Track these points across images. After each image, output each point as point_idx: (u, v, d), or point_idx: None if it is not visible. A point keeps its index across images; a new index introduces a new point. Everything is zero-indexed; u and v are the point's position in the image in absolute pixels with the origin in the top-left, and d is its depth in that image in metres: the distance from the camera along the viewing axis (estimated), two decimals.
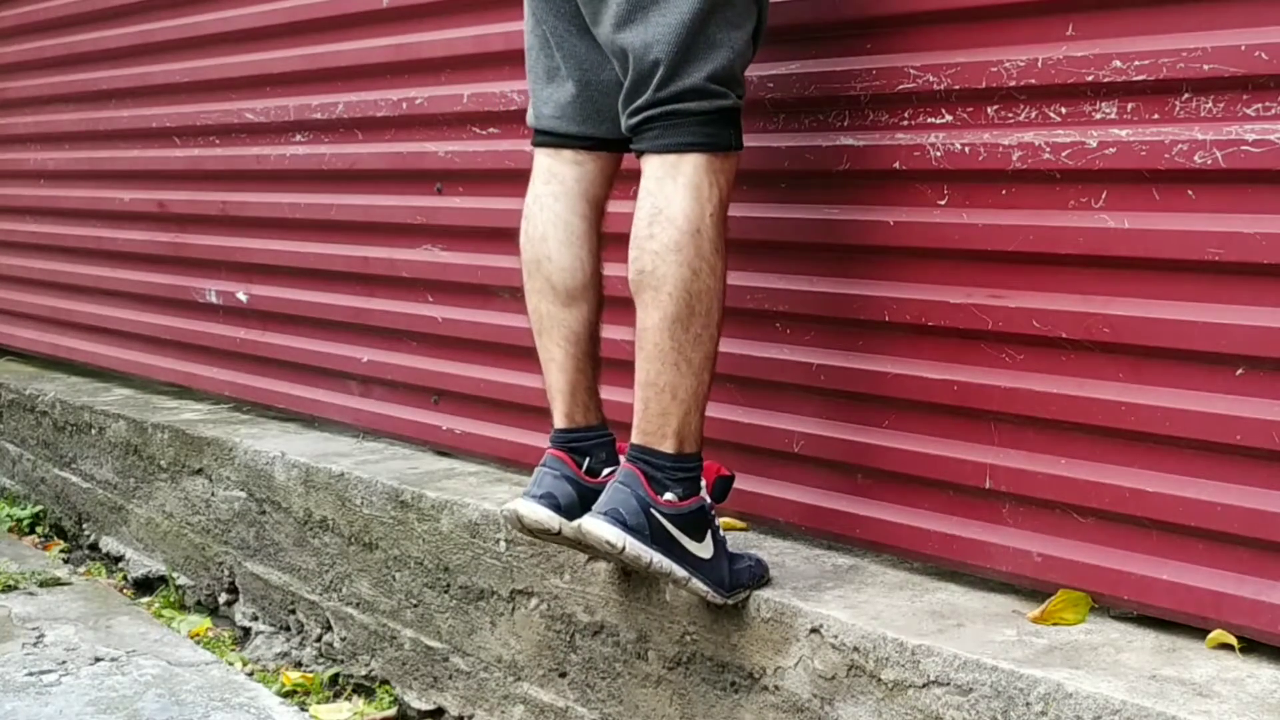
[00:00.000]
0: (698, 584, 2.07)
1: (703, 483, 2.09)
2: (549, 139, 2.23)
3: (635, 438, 2.05)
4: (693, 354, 2.01)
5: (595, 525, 2.01)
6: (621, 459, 2.10)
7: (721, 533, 2.13)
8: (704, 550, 2.06)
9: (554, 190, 2.21)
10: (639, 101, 2.04)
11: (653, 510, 2.01)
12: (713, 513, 2.10)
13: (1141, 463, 1.95)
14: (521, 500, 2.18)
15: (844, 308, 2.28)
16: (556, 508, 2.15)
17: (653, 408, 2.03)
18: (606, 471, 2.20)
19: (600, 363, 2.28)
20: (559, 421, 2.24)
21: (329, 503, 3.05)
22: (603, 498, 2.04)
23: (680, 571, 2.05)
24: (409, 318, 3.21)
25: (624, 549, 1.99)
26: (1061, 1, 1.99)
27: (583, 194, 2.21)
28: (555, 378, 2.24)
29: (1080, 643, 1.90)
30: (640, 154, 2.06)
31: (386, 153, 3.25)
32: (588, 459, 2.22)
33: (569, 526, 2.12)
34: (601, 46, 2.11)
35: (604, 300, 2.26)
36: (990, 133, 2.08)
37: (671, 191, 2.00)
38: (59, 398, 4.22)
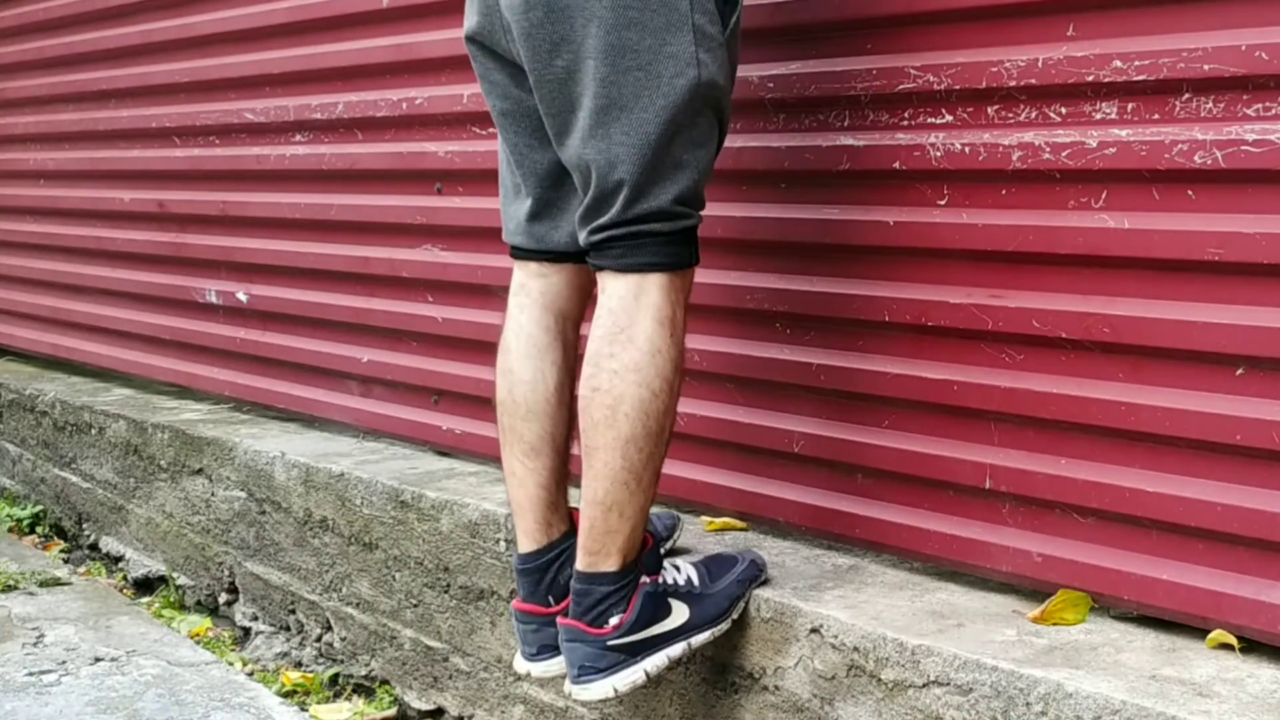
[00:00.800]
0: (699, 639, 2.07)
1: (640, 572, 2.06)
2: (517, 252, 2.19)
3: (580, 561, 2.02)
4: (644, 472, 1.98)
5: (584, 693, 2.02)
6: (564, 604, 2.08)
7: (685, 573, 2.10)
8: (679, 615, 2.06)
9: (520, 302, 2.17)
10: (601, 220, 1.99)
11: (609, 644, 2.00)
12: (660, 583, 2.06)
13: (1141, 463, 1.95)
14: (529, 664, 2.18)
15: (844, 308, 2.28)
16: (556, 651, 2.14)
17: (598, 527, 1.99)
18: (572, 579, 2.14)
19: (567, 477, 2.20)
20: (522, 545, 2.18)
21: (329, 503, 3.05)
22: (566, 660, 2.05)
23: (677, 650, 2.05)
24: (409, 318, 3.21)
25: (617, 691, 2.01)
26: (1061, 1, 1.99)
27: (546, 306, 2.16)
28: (515, 493, 2.18)
29: (1080, 643, 1.90)
30: (599, 269, 2.02)
31: (386, 153, 3.25)
32: (554, 584, 2.16)
33: (565, 686, 2.12)
34: (563, 161, 2.06)
35: (574, 417, 2.13)
36: (990, 133, 2.08)
37: (634, 312, 1.96)
38: (59, 398, 4.22)
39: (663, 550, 2.21)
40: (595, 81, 1.93)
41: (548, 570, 2.16)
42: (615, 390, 1.95)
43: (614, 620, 2.00)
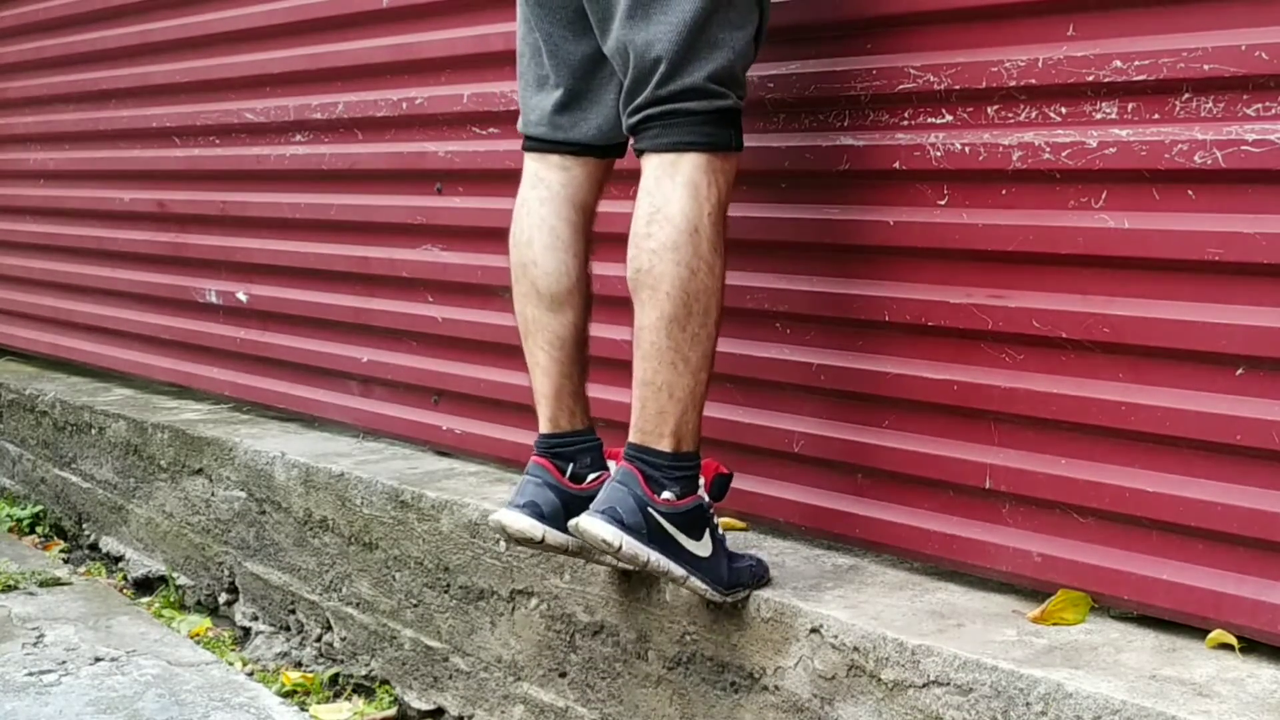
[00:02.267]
0: (696, 582, 2.07)
1: (701, 481, 2.09)
2: (536, 144, 2.23)
3: (633, 436, 2.05)
4: (690, 353, 2.01)
5: (592, 524, 2.01)
6: (612, 465, 2.10)
7: (721, 531, 2.13)
8: (702, 549, 2.06)
9: (540, 195, 2.21)
10: (639, 100, 2.04)
11: (650, 509, 2.01)
12: (711, 511, 2.10)
13: (1141, 463, 1.95)
14: (505, 510, 2.18)
15: (844, 308, 2.28)
16: (540, 516, 2.15)
17: (650, 406, 2.02)
18: (592, 477, 2.20)
19: (587, 367, 2.27)
20: (543, 426, 2.24)
21: (329, 503, 3.05)
22: (600, 496, 2.04)
23: (678, 570, 2.05)
24: (409, 318, 3.21)
25: (621, 547, 1.99)
26: (1061, 1, 1.99)
27: (569, 199, 2.21)
28: (540, 382, 2.23)
29: (1080, 643, 1.90)
30: (640, 153, 2.06)
31: (386, 153, 3.25)
32: (572, 464, 2.21)
33: (554, 534, 2.13)
34: (600, 50, 2.11)
35: (592, 304, 2.25)
36: (990, 133, 2.08)
37: (670, 190, 1.99)
38: (59, 398, 4.22)
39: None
40: None
41: (566, 449, 2.20)
42: (655, 269, 1.98)
43: (667, 495, 2.02)
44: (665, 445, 2.03)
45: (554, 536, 2.14)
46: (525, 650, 2.56)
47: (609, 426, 2.35)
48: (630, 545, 2.00)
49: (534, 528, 2.15)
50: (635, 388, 2.04)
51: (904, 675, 1.91)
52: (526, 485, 2.19)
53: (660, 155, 2.02)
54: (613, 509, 2.01)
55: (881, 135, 2.21)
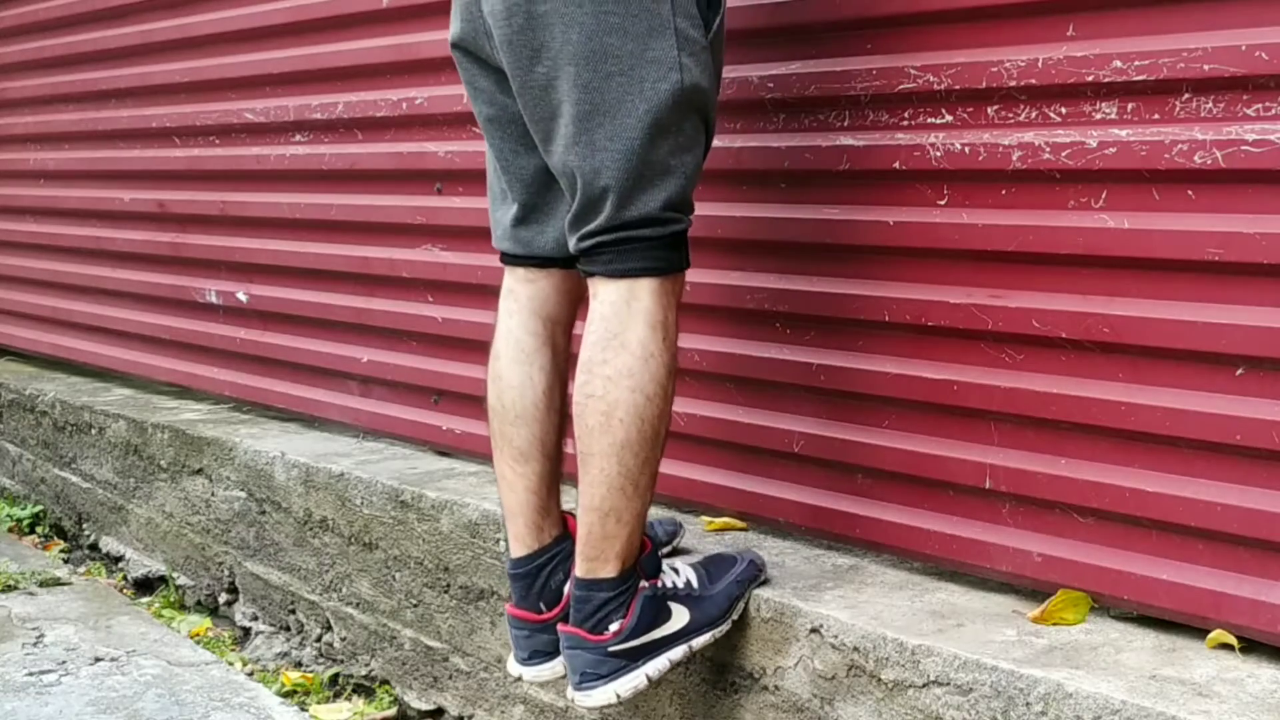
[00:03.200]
0: (700, 641, 2.07)
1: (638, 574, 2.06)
2: (505, 258, 2.19)
3: (579, 568, 2.02)
4: (640, 477, 1.97)
5: (586, 699, 2.02)
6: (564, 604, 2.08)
7: (683, 575, 2.10)
8: (679, 618, 2.05)
9: (509, 308, 2.17)
10: (590, 226, 1.98)
11: (610, 650, 2.00)
12: (659, 586, 2.06)
13: (1141, 463, 1.95)
14: (521, 668, 2.19)
15: (844, 308, 2.28)
16: (548, 657, 2.15)
17: (595, 533, 1.99)
18: (568, 589, 2.13)
19: (557, 482, 2.19)
20: (513, 549, 2.18)
21: (329, 503, 3.05)
22: (568, 667, 2.05)
23: (679, 652, 2.05)
24: (409, 318, 3.21)
25: (620, 696, 2.01)
26: (1061, 1, 1.99)
27: (534, 311, 2.16)
28: (506, 497, 2.18)
29: (1080, 643, 1.90)
30: (589, 275, 2.01)
31: (386, 153, 3.25)
32: (545, 590, 2.16)
33: (567, 692, 2.12)
34: (550, 167, 2.05)
35: (564, 419, 2.16)
36: (990, 133, 2.08)
37: (626, 317, 1.95)
38: (59, 398, 4.22)
39: (661, 554, 2.21)
40: (578, 87, 1.92)
41: (539, 575, 2.16)
42: (609, 396, 1.94)
43: (614, 626, 2.00)
44: (610, 571, 2.00)
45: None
46: None
47: None
48: (626, 686, 2.01)
49: (555, 671, 2.16)
50: (581, 513, 2.00)
51: (904, 675, 1.91)
52: (519, 639, 2.18)
53: (615, 281, 1.97)
54: (584, 674, 2.01)
55: (881, 135, 2.21)
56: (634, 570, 2.03)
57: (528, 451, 2.14)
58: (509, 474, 2.16)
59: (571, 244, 2.02)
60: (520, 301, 2.17)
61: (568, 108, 1.94)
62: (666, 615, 2.05)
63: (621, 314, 1.96)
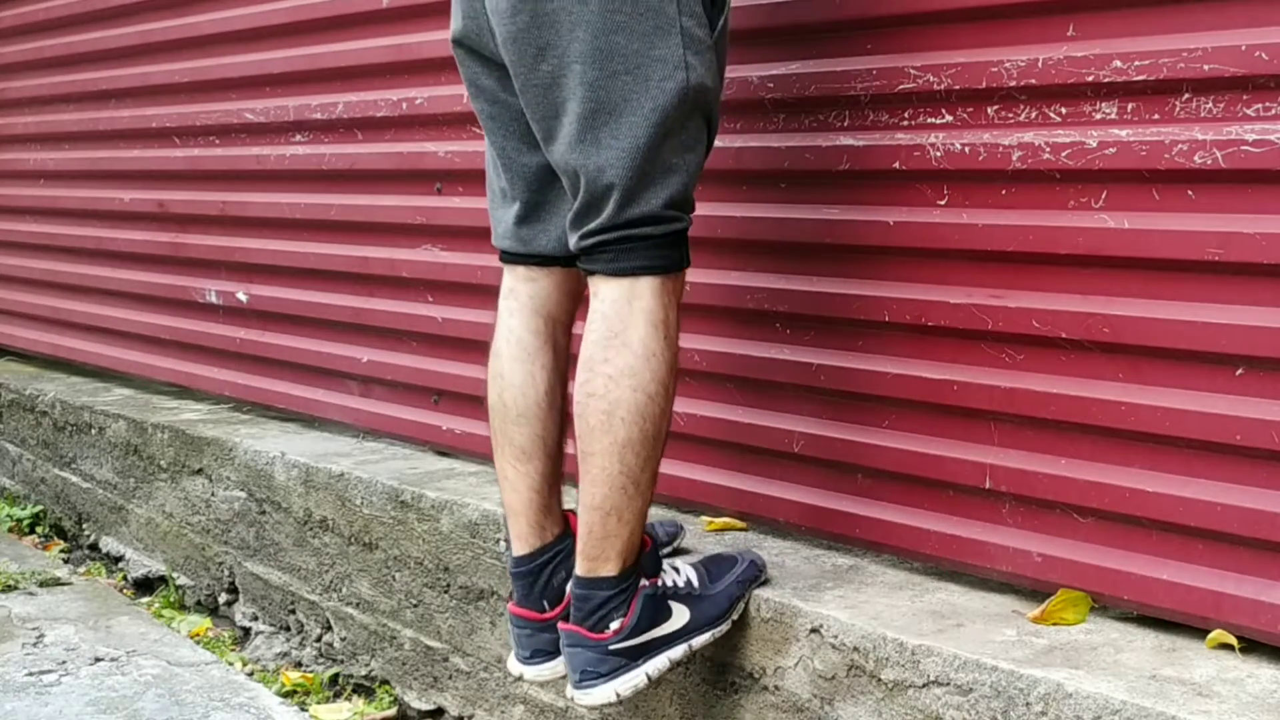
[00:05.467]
0: (700, 641, 2.07)
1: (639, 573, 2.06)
2: (506, 256, 2.19)
3: (579, 566, 2.02)
4: (641, 476, 1.97)
5: (585, 697, 2.02)
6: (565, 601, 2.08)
7: (684, 574, 2.10)
8: (679, 617, 2.05)
9: (509, 306, 2.17)
10: (592, 225, 1.98)
11: (610, 648, 2.00)
12: (659, 585, 2.06)
13: (1141, 463, 1.95)
14: (522, 667, 2.19)
15: (844, 308, 2.28)
16: (550, 656, 2.15)
17: (596, 532, 1.99)
18: (571, 584, 2.12)
19: (559, 481, 2.19)
20: (515, 548, 2.18)
21: (329, 503, 3.05)
22: (567, 665, 2.05)
23: (679, 651, 2.05)
24: (409, 318, 3.21)
25: (620, 695, 2.01)
26: (1061, 1, 1.99)
27: (536, 310, 2.15)
28: (507, 496, 2.18)
29: (1080, 643, 1.90)
30: (590, 274, 2.01)
31: (386, 153, 3.25)
32: (548, 588, 2.16)
33: (567, 690, 2.12)
34: (552, 165, 2.06)
35: (565, 418, 2.16)
36: (990, 133, 2.08)
37: (628, 316, 1.95)
38: (59, 398, 4.22)
39: (662, 554, 2.21)
40: (583, 86, 1.92)
41: (541, 573, 2.16)
42: (611, 395, 1.94)
43: (614, 625, 2.00)
44: (611, 570, 2.00)
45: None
46: None
47: None
48: (626, 684, 2.01)
49: (555, 671, 2.16)
50: (582, 511, 2.00)
51: (904, 675, 1.91)
52: (520, 638, 2.18)
53: (615, 280, 1.97)
54: (584, 672, 2.01)
55: (881, 135, 2.21)
56: (635, 569, 2.03)
57: (530, 450, 2.14)
58: (511, 473, 2.16)
59: (572, 242, 2.02)
60: (521, 300, 2.16)
61: (573, 105, 1.94)
62: (667, 614, 2.05)
63: (623, 312, 1.96)
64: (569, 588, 2.09)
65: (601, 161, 1.94)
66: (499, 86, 2.09)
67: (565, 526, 2.19)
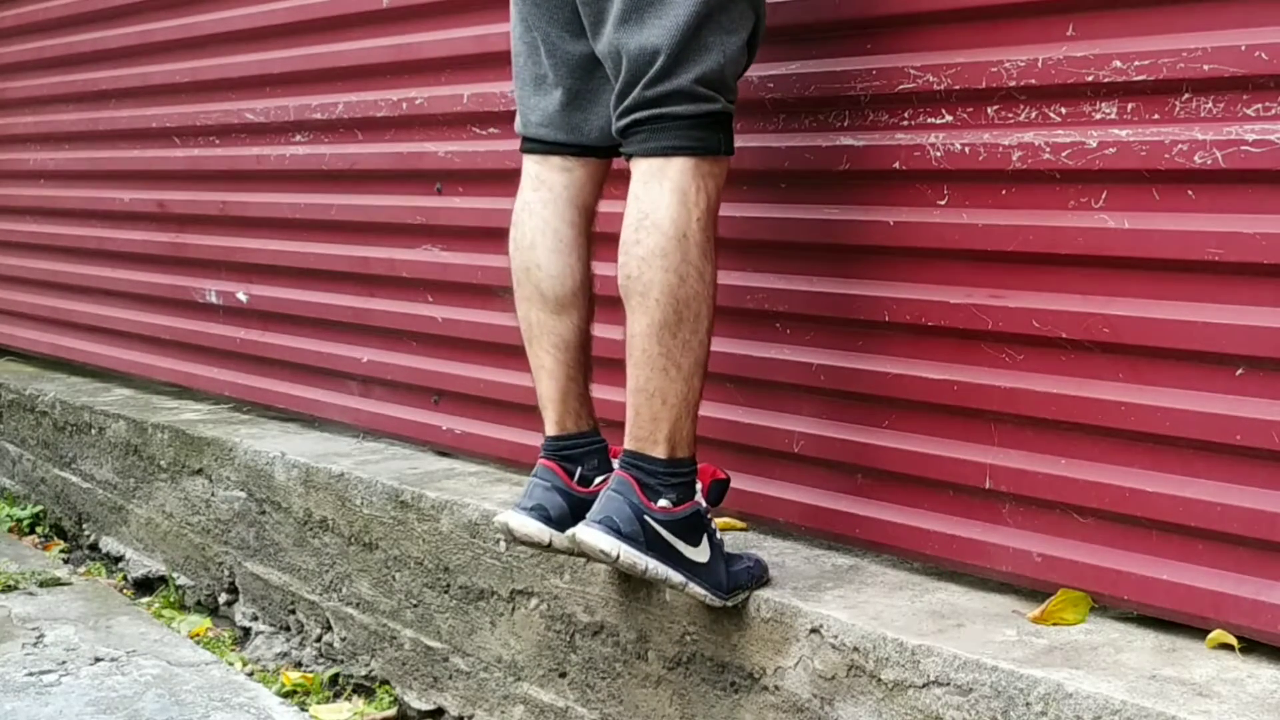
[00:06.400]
0: (695, 588, 2.07)
1: (698, 486, 2.09)
2: (537, 146, 2.22)
3: (627, 444, 2.05)
4: (682, 359, 2.00)
5: (589, 534, 2.01)
6: (615, 464, 2.10)
7: (719, 535, 2.13)
8: (700, 554, 2.06)
9: (542, 197, 2.20)
10: (627, 102, 2.03)
11: (646, 517, 2.01)
12: (709, 516, 2.09)
13: (1141, 463, 1.95)
14: (512, 513, 2.18)
15: (844, 308, 2.28)
16: (547, 519, 2.15)
17: (643, 413, 2.02)
18: (599, 480, 2.19)
19: (591, 369, 2.26)
20: (550, 429, 2.23)
21: (329, 503, 3.05)
22: (597, 505, 2.04)
23: (677, 576, 2.05)
24: (409, 318, 3.21)
25: (619, 557, 2.00)
26: (1061, 1, 1.99)
27: (571, 200, 2.20)
28: (546, 385, 2.23)
29: (1080, 643, 1.90)
30: (629, 157, 2.05)
31: (386, 153, 3.25)
32: (579, 467, 2.21)
33: (560, 537, 2.12)
34: (595, 52, 2.10)
35: (595, 306, 2.25)
36: (990, 133, 2.08)
37: (658, 196, 1.98)
38: (59, 398, 4.22)
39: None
40: None
41: (573, 451, 2.20)
42: (644, 276, 1.97)
43: (664, 502, 2.02)
44: (660, 451, 2.03)
45: (560, 540, 2.14)
46: (525, 650, 2.56)
47: (611, 426, 2.36)
48: (628, 554, 2.00)
49: (541, 532, 2.15)
50: (629, 395, 2.03)
51: (904, 675, 1.91)
52: (534, 488, 2.19)
53: (649, 160, 2.00)
54: (609, 518, 2.01)
55: (881, 135, 2.21)
56: (686, 464, 2.05)
57: (568, 338, 2.21)
58: (549, 361, 2.21)
59: (614, 124, 2.06)
60: (555, 191, 2.20)
61: None
62: (697, 540, 2.06)
63: (654, 193, 1.98)
64: (597, 480, 2.14)
65: (644, 39, 1.98)
66: None
67: (596, 426, 2.24)
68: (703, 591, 2.07)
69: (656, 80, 1.99)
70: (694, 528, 2.05)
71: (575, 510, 2.14)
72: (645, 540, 2.01)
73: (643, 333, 1.99)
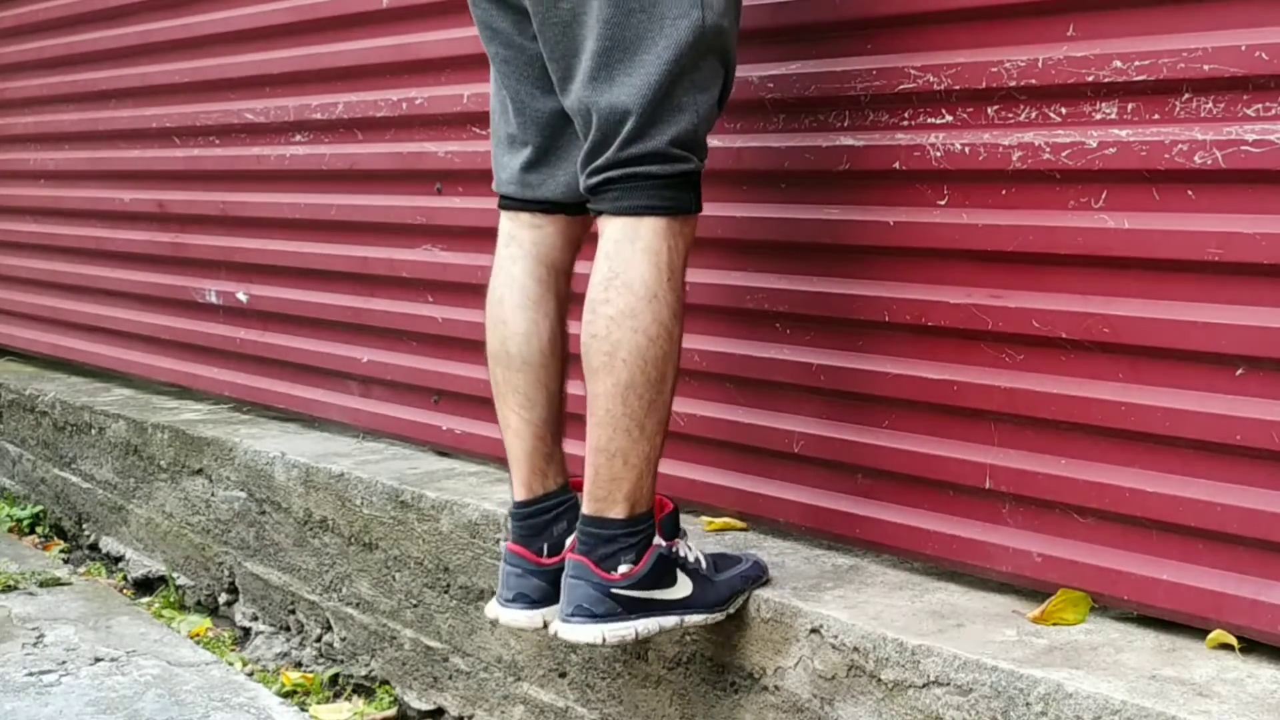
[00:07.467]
0: (693, 619, 2.06)
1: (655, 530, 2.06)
2: (509, 203, 2.20)
3: (585, 506, 2.02)
4: (646, 420, 1.97)
5: (570, 632, 2.00)
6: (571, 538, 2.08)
7: (695, 556, 2.10)
8: (682, 589, 2.05)
9: (512, 253, 2.18)
10: (599, 162, 1.99)
11: (613, 589, 1.99)
12: (673, 550, 2.06)
13: (1141, 463, 1.95)
14: (498, 608, 2.17)
15: (844, 308, 2.28)
16: (532, 604, 2.14)
17: (603, 474, 1.99)
18: (570, 541, 2.13)
19: (562, 428, 2.21)
20: (517, 493, 2.19)
21: (329, 503, 3.05)
22: (563, 597, 2.02)
23: (670, 621, 2.04)
24: (409, 318, 3.21)
25: (605, 640, 1.99)
26: (1061, 1, 1.99)
27: (540, 258, 2.16)
28: (512, 444, 2.18)
29: (1080, 643, 1.90)
30: (598, 214, 2.02)
31: (386, 153, 3.25)
32: (548, 535, 2.16)
33: (552, 613, 2.10)
34: (565, 109, 2.07)
35: (567, 364, 2.18)
36: (990, 133, 2.08)
37: (629, 256, 1.95)
38: (59, 398, 4.22)
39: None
40: (599, 23, 1.94)
41: (540, 518, 2.16)
42: (612, 336, 1.94)
43: (623, 568, 1.99)
44: (618, 512, 2.00)
45: (552, 617, 2.12)
46: (525, 650, 2.56)
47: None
48: (613, 632, 1.99)
49: (531, 620, 2.14)
50: (589, 453, 2.00)
51: (904, 675, 1.91)
52: (509, 577, 2.16)
53: (620, 219, 1.97)
54: (579, 607, 1.99)
55: (881, 135, 2.21)
56: (645, 519, 2.02)
57: (534, 398, 2.16)
58: (514, 420, 2.17)
59: (582, 183, 2.03)
60: (524, 247, 2.17)
61: (589, 44, 1.95)
62: (672, 580, 2.04)
63: (625, 253, 1.96)
64: (569, 541, 2.09)
65: (614, 98, 1.95)
66: (515, 30, 2.11)
67: (567, 480, 2.19)
68: (700, 618, 2.07)
69: (630, 141, 1.96)
70: (664, 571, 2.03)
71: (554, 581, 2.11)
72: (623, 608, 1.99)
73: (607, 393, 1.95)
